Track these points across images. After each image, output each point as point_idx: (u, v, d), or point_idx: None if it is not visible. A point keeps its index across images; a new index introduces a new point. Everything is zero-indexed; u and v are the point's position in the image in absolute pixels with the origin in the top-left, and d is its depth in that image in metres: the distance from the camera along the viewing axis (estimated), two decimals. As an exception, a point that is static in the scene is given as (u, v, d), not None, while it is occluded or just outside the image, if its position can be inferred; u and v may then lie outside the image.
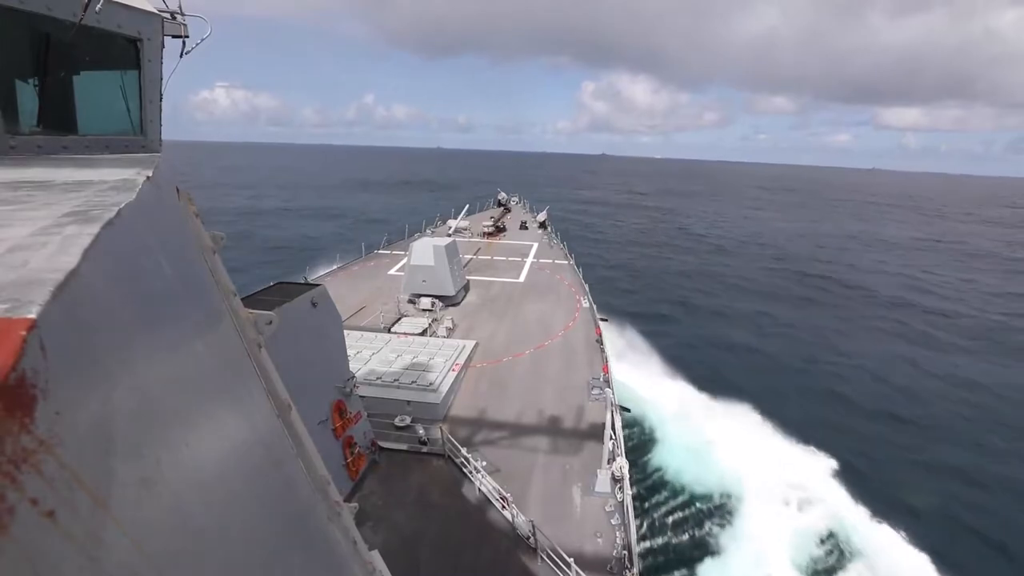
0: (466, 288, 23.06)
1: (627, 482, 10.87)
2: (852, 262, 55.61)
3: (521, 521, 9.64)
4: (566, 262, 28.69)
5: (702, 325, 33.92)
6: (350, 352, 12.36)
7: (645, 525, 14.59)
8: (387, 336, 17.27)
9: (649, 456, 17.34)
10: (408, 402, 13.19)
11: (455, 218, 36.49)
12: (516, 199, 49.28)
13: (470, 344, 16.87)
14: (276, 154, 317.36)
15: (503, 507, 10.09)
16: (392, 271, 25.81)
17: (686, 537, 14.56)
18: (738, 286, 44.00)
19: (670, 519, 15.10)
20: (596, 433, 12.61)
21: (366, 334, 17.15)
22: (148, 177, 2.00)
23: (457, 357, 15.55)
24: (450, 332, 18.57)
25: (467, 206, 40.46)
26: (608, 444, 11.53)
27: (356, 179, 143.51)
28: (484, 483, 10.68)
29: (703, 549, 14.11)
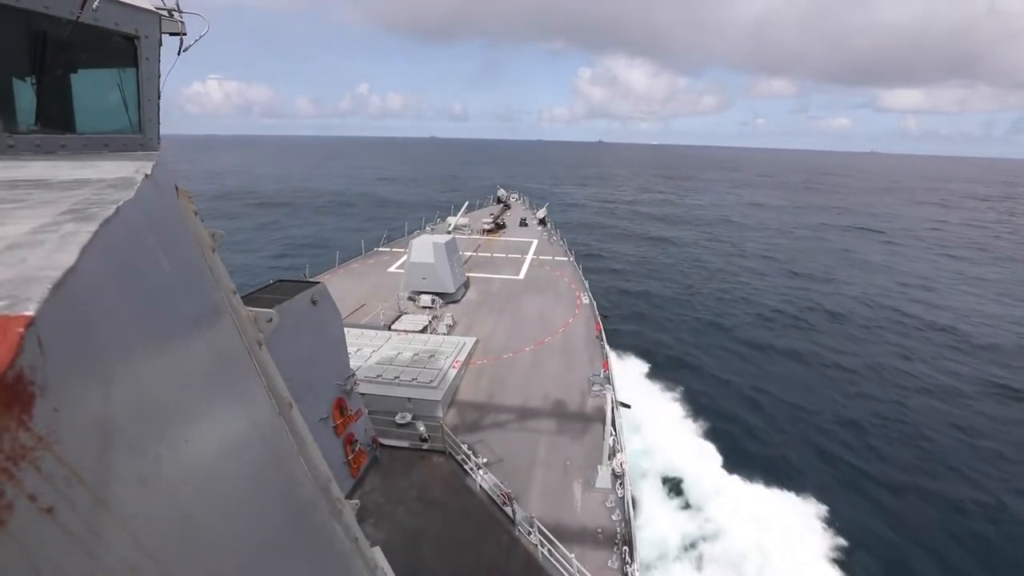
0: (466, 285, 23.06)
1: (627, 478, 10.90)
2: None
3: (522, 517, 9.68)
4: (566, 259, 28.69)
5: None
6: (350, 349, 12.37)
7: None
8: (387, 333, 17.28)
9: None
10: (409, 399, 13.22)
11: (455, 215, 36.49)
12: (516, 196, 49.29)
13: (470, 341, 16.88)
14: (245, 150, 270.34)
15: (504, 503, 10.12)
16: (392, 268, 25.81)
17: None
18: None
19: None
20: (596, 429, 12.65)
21: (366, 331, 17.17)
22: (147, 175, 2.00)
23: (457, 354, 15.56)
24: (450, 329, 18.58)
25: (467, 203, 40.44)
26: (608, 440, 11.56)
27: (302, 193, 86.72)
28: (485, 479, 10.71)
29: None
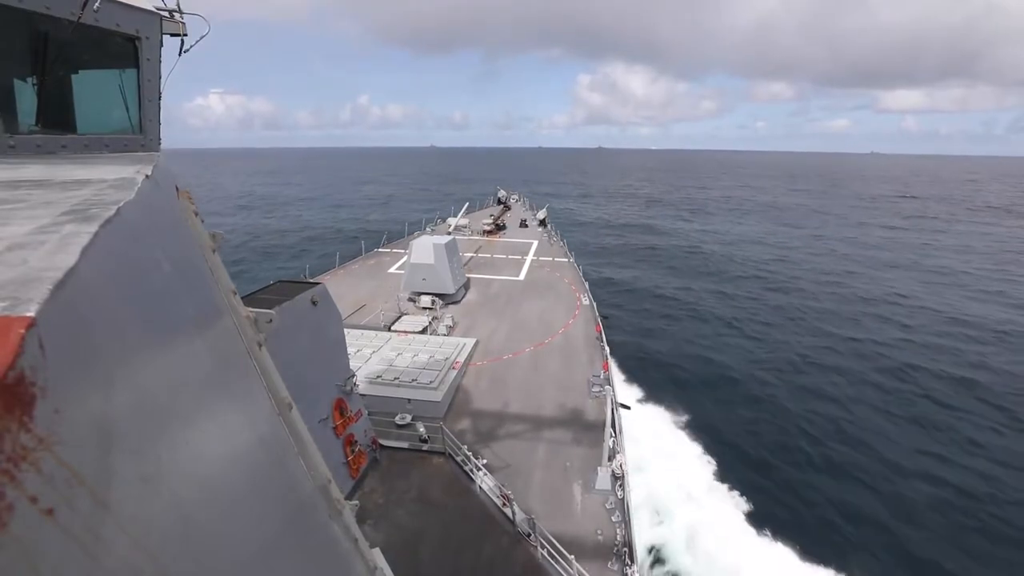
0: (466, 286, 23.06)
1: (627, 479, 10.89)
2: None
3: (522, 518, 9.66)
4: (566, 260, 28.71)
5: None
6: (350, 350, 12.36)
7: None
8: (387, 334, 17.28)
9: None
10: (408, 400, 13.21)
11: (455, 216, 36.49)
12: (516, 197, 49.30)
13: (470, 342, 16.87)
14: (240, 162, 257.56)
15: (504, 504, 10.11)
16: (392, 269, 25.83)
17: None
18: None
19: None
20: (596, 431, 12.63)
21: (366, 332, 17.17)
22: (147, 176, 2.00)
23: (457, 355, 15.55)
24: (450, 330, 18.57)
25: (467, 204, 40.47)
26: (608, 442, 11.54)
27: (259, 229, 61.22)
28: (485, 481, 10.69)
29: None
